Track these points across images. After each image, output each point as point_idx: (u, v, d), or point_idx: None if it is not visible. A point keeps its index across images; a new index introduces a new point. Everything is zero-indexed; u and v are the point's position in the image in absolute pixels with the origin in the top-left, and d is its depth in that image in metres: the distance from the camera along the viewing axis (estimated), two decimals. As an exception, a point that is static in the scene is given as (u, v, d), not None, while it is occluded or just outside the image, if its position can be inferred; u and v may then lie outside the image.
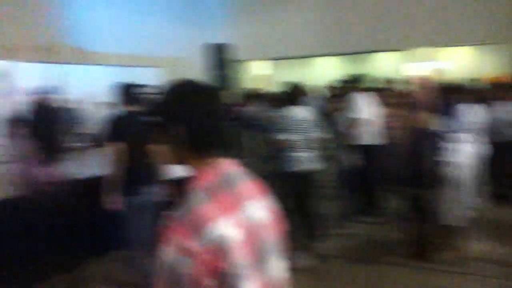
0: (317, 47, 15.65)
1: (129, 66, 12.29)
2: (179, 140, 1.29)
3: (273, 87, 11.38)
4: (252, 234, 1.29)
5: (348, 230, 5.84)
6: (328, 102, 7.21)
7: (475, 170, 4.98)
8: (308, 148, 4.69)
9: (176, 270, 1.17)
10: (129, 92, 4.21)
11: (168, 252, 1.18)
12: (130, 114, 4.05)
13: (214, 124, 1.32)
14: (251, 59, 17.43)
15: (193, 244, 1.16)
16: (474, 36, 13.22)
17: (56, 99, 7.00)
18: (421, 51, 14.27)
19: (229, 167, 1.35)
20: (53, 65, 10.64)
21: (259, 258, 1.30)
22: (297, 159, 4.70)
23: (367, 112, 5.92)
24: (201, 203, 1.23)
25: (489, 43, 13.51)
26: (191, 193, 1.27)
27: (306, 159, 4.72)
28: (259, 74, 17.89)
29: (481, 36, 13.14)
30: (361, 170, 5.92)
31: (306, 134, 4.70)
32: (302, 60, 17.43)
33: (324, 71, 16.61)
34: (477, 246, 4.98)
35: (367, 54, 16.27)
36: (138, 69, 12.49)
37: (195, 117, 1.29)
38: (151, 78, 12.71)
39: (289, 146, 4.65)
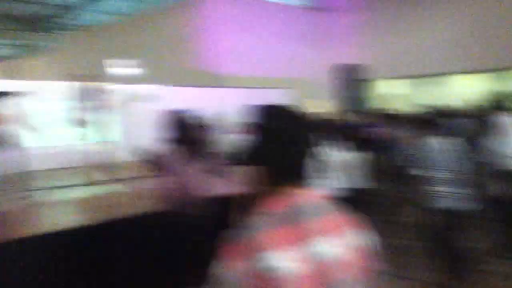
0: (454, 63, 14.71)
1: (262, 88, 12.74)
2: (257, 171, 1.32)
3: (409, 107, 10.92)
4: (318, 270, 1.24)
5: (499, 267, 5.23)
6: (471, 125, 6.62)
7: None
8: (452, 183, 4.22)
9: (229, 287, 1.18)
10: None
11: (224, 269, 1.20)
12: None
13: (288, 159, 1.30)
14: (383, 78, 16.98)
15: (246, 267, 1.18)
16: None
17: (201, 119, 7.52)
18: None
19: (304, 199, 1.30)
20: (195, 88, 11.45)
21: None
22: (439, 194, 4.23)
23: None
24: (262, 230, 1.22)
25: None
26: (256, 217, 1.26)
27: (450, 195, 4.23)
28: (393, 93, 17.30)
29: None
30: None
31: (450, 167, 4.24)
32: (438, 78, 16.52)
33: (463, 90, 15.51)
34: None
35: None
36: (263, 90, 12.89)
37: (269, 154, 1.31)
38: (282, 99, 13.08)
39: (428, 180, 4.21)
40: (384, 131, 6.90)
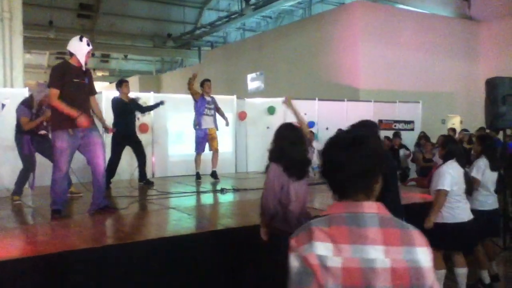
0: None
1: (390, 102, 12.35)
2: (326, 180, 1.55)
3: None
4: (356, 272, 1.37)
5: None
6: None
7: None
8: None
9: (296, 272, 1.41)
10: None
11: (291, 257, 1.44)
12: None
13: (345, 177, 1.48)
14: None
15: (302, 250, 1.40)
16: None
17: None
18: None
19: (366, 210, 1.46)
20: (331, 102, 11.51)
21: None
22: None
23: None
24: (316, 225, 1.44)
25: None
26: (319, 217, 1.49)
27: None
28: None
29: None
30: None
31: None
32: None
33: None
34: None
35: None
36: (399, 104, 12.44)
37: (329, 172, 1.54)
38: (410, 113, 12.53)
39: None
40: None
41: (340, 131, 1.71)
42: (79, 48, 4.74)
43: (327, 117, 11.14)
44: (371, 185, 1.50)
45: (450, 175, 4.37)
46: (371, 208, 1.46)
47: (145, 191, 6.86)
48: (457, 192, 4.42)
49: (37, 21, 21.87)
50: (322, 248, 1.38)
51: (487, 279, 4.83)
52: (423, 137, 10.63)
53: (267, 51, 18.49)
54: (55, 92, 4.57)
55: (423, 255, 1.42)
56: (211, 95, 7.95)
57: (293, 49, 16.85)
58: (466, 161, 5.05)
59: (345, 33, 14.80)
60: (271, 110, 10.64)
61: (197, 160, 7.89)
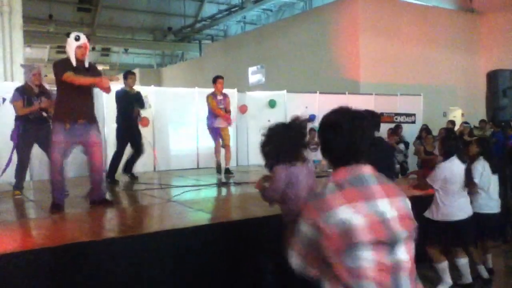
0: None
1: (391, 95, 12.34)
2: (325, 153, 1.79)
3: None
4: (376, 221, 1.57)
5: None
6: None
7: None
8: None
9: (308, 238, 1.62)
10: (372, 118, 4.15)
11: (304, 224, 1.63)
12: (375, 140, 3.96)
13: (346, 143, 1.68)
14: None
15: (320, 222, 1.56)
16: None
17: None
18: None
19: (365, 171, 1.68)
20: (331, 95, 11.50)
21: (383, 240, 1.57)
22: None
23: None
24: (330, 193, 1.62)
25: None
26: (327, 184, 1.67)
27: None
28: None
29: None
30: None
31: None
32: None
33: None
34: None
35: None
36: (400, 97, 12.43)
37: (329, 140, 1.75)
38: (411, 106, 12.51)
39: None
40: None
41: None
42: (68, 44, 4.67)
43: (328, 110, 11.09)
44: (367, 149, 1.72)
45: (445, 174, 4.37)
46: (367, 169, 1.70)
47: (146, 184, 6.84)
48: (455, 189, 4.40)
49: (37, 15, 21.79)
50: (344, 212, 1.55)
51: (485, 274, 4.85)
52: (424, 130, 10.60)
53: (268, 44, 18.44)
54: (69, 74, 4.46)
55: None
56: (223, 92, 7.75)
57: (294, 42, 16.80)
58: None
59: (346, 26, 14.75)
60: (272, 104, 10.63)
61: (217, 148, 7.67)
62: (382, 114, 11.31)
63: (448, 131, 7.85)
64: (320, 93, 11.44)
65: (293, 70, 16.51)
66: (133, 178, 7.15)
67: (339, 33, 14.96)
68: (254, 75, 19.36)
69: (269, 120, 9.36)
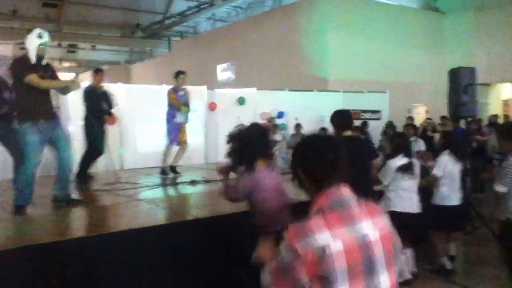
0: None
1: (358, 92, 12.58)
2: (301, 178, 1.75)
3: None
4: (355, 248, 1.54)
5: None
6: None
7: None
8: None
9: (285, 261, 1.56)
10: (344, 117, 4.25)
11: (283, 247, 1.57)
12: (347, 139, 4.05)
13: (325, 166, 1.68)
14: (494, 83, 15.84)
15: (299, 247, 1.51)
16: None
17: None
18: None
19: (344, 194, 1.64)
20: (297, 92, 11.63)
21: (364, 270, 1.54)
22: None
23: None
24: (311, 218, 1.58)
25: None
26: (310, 211, 1.63)
27: None
28: (501, 99, 16.10)
29: None
30: None
31: None
32: None
33: None
34: None
35: None
36: (367, 94, 12.68)
37: (308, 164, 1.73)
38: (377, 102, 12.79)
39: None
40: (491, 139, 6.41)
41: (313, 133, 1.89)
42: (29, 42, 4.54)
43: (297, 108, 11.25)
44: (345, 173, 1.71)
45: (394, 170, 4.54)
46: (346, 191, 1.67)
47: (116, 183, 6.75)
48: (405, 185, 4.56)
49: (0, 10, 21.18)
50: (322, 239, 1.51)
51: (448, 265, 5.03)
52: (389, 127, 10.87)
53: (237, 41, 18.46)
54: (33, 76, 4.38)
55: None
56: (184, 87, 7.69)
57: (264, 39, 16.88)
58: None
59: (315, 24, 14.92)
60: (241, 101, 10.67)
61: (167, 152, 7.62)
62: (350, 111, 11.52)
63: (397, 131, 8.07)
64: (289, 90, 11.55)
65: (263, 67, 16.59)
66: (89, 179, 6.85)
67: (308, 30, 15.11)
68: (224, 72, 19.35)
69: (238, 117, 9.42)
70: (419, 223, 4.65)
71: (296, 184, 1.80)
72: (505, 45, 15.00)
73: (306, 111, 11.02)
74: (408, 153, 4.76)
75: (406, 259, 4.70)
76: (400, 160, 4.62)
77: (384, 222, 1.68)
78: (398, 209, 4.51)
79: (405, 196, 4.60)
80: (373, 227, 1.61)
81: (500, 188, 3.78)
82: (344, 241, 1.52)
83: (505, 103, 15.89)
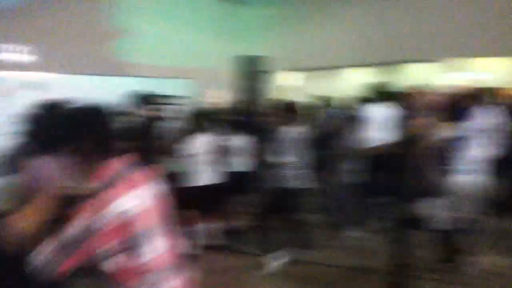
0: (348, 58, 15.79)
1: (162, 77, 12.84)
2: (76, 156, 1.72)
3: (303, 99, 11.56)
4: (147, 209, 1.67)
5: (339, 241, 5.80)
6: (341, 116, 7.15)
7: (482, 178, 4.95)
8: (298, 166, 4.65)
9: (77, 237, 1.56)
10: (145, 100, 4.47)
11: (76, 223, 1.58)
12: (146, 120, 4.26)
13: (99, 140, 1.70)
14: (283, 70, 17.77)
15: (96, 219, 1.55)
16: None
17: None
18: (456, 61, 14.16)
19: (123, 164, 1.72)
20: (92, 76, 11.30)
21: (157, 227, 1.70)
22: (287, 176, 4.60)
23: (382, 124, 5.90)
24: (101, 190, 1.62)
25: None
26: (95, 185, 1.66)
27: (295, 177, 4.64)
28: (291, 85, 18.15)
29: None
30: (363, 183, 5.89)
31: (298, 153, 4.67)
32: (334, 71, 17.60)
33: (356, 83, 16.69)
34: (482, 258, 4.88)
35: (400, 64, 16.26)
36: (171, 80, 13.02)
37: (83, 139, 1.71)
38: (182, 89, 13.27)
39: (282, 164, 4.57)
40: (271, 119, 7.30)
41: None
42: None
43: (101, 93, 10.97)
44: (119, 145, 1.80)
45: (192, 146, 4.98)
46: (126, 161, 1.78)
47: None
48: (200, 158, 5.05)
49: None
50: (119, 206, 1.60)
51: (239, 232, 5.66)
52: (194, 113, 11.36)
53: (35, 21, 16.93)
54: None
55: (165, 185, 1.87)
56: None
57: (64, 20, 15.82)
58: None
59: (118, 6, 14.59)
60: (36, 86, 10.04)
61: None
62: (150, 96, 11.64)
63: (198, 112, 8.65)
64: (91, 75, 11.22)
65: (63, 50, 15.60)
66: None
67: (113, 12, 14.73)
68: (12, 53, 17.57)
69: (30, 103, 8.84)
70: (210, 196, 5.13)
71: (65, 166, 1.79)
72: (295, 36, 16.91)
73: (106, 96, 10.86)
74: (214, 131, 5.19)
75: (198, 233, 5.18)
76: (204, 136, 5.04)
77: (161, 185, 1.83)
78: (191, 183, 4.93)
79: (203, 169, 5.04)
80: (153, 191, 1.76)
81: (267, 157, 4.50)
82: (138, 205, 1.65)
83: (291, 90, 17.91)
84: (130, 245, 1.59)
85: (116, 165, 1.72)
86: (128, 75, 12.91)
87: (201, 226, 5.22)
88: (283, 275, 4.80)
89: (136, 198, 1.64)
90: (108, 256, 1.58)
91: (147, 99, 4.66)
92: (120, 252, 1.58)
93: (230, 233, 5.80)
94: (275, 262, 4.84)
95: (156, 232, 1.67)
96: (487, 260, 4.88)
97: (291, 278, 4.69)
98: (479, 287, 4.38)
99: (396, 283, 3.97)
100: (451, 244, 4.69)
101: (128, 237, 1.58)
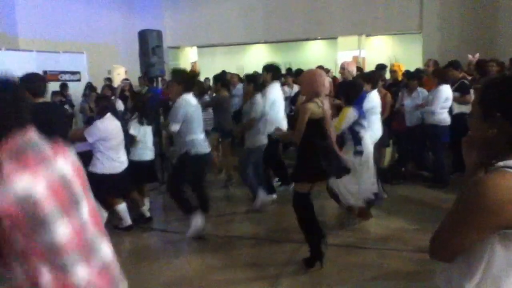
0: (246, 35, 16.04)
1: (54, 52, 12.10)
2: None
3: (203, 75, 11.56)
4: (59, 185, 1.49)
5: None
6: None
7: (376, 154, 5.39)
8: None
9: None
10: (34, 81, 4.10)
11: None
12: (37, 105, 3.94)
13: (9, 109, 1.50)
14: (182, 46, 17.60)
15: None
16: (392, 26, 14.20)
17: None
18: (347, 40, 15.04)
19: (29, 137, 1.52)
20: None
21: (69, 204, 1.52)
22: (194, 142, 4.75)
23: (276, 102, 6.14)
24: (3, 165, 1.38)
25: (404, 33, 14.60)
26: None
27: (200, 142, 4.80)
28: (189, 61, 18.08)
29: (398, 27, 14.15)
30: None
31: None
32: (235, 48, 17.79)
33: (255, 60, 17.03)
34: (380, 222, 5.21)
35: (297, 42, 16.89)
36: (63, 55, 12.33)
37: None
38: (75, 64, 12.62)
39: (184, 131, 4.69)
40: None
41: None
42: None
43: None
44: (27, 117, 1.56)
45: (102, 130, 4.79)
46: (34, 135, 1.55)
47: None
48: (114, 144, 4.90)
49: None
50: (25, 184, 1.37)
51: (147, 214, 5.64)
52: (88, 88, 10.90)
53: None
54: None
55: (75, 155, 1.70)
56: None
57: None
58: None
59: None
60: None
61: None
62: (45, 72, 10.96)
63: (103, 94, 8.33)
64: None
65: None
66: None
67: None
68: None
69: None
70: (121, 181, 5.04)
71: None
72: (192, 12, 16.72)
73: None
74: (115, 113, 5.05)
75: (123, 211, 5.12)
76: (108, 120, 4.85)
77: (74, 158, 1.68)
78: (101, 171, 4.78)
79: (118, 156, 4.90)
80: (67, 164, 1.59)
81: (172, 126, 4.55)
82: (48, 181, 1.45)
83: (192, 65, 17.87)
84: (33, 226, 1.40)
85: (23, 137, 1.52)
86: (17, 49, 11.93)
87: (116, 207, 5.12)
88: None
89: (45, 176, 1.45)
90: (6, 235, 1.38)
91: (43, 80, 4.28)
92: (21, 232, 1.38)
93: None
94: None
95: (67, 211, 1.50)
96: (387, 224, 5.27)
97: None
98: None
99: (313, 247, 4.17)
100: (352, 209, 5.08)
101: (31, 219, 1.39)
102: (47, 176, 1.45)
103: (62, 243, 1.45)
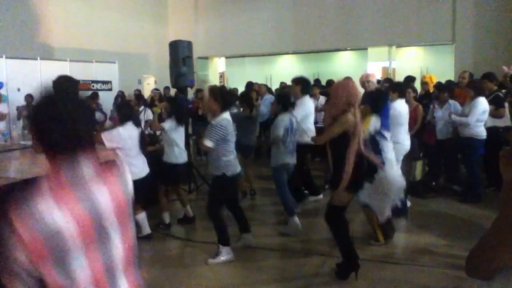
0: (275, 45, 16.06)
1: (88, 61, 12.39)
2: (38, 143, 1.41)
3: (231, 85, 11.65)
4: (91, 219, 1.40)
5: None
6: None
7: (405, 167, 5.25)
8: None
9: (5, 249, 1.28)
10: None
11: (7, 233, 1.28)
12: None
13: (56, 128, 1.38)
14: (211, 57, 17.76)
15: (21, 230, 1.27)
16: (424, 37, 13.95)
17: None
18: (378, 50, 14.88)
19: (81, 160, 1.42)
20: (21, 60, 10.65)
21: (97, 238, 1.43)
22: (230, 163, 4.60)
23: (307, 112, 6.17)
24: (38, 195, 1.33)
25: (436, 44, 14.37)
26: (40, 184, 1.37)
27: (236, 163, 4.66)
28: (218, 71, 18.25)
29: (429, 38, 13.90)
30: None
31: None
32: (263, 58, 17.87)
33: (284, 70, 17.03)
34: (411, 237, 5.19)
35: (326, 53, 16.82)
36: (96, 64, 12.60)
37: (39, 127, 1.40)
38: (107, 73, 12.86)
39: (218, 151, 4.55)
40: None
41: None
42: None
43: (18, 77, 10.39)
44: (80, 140, 1.45)
45: (122, 137, 4.81)
46: (84, 157, 1.44)
47: None
48: (133, 151, 4.92)
49: None
50: (51, 217, 1.31)
51: (167, 219, 5.67)
52: (120, 97, 11.06)
53: None
54: None
55: (124, 184, 1.60)
56: None
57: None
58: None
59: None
60: None
61: None
62: (79, 81, 11.20)
63: (123, 102, 8.45)
64: (7, 57, 10.54)
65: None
66: None
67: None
68: None
69: None
70: (147, 186, 5.07)
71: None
72: (222, 23, 16.86)
73: (29, 81, 10.26)
74: (136, 122, 5.10)
75: (142, 220, 5.15)
76: (129, 128, 4.89)
77: (118, 185, 1.55)
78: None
79: (135, 163, 4.93)
80: (105, 193, 1.47)
81: (208, 143, 4.48)
82: (75, 215, 1.36)
83: (221, 75, 18.03)
84: (54, 260, 1.34)
85: (70, 161, 1.41)
86: (55, 59, 12.25)
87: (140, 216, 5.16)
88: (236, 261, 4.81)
89: (73, 209, 1.37)
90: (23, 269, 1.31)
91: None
92: (38, 267, 1.31)
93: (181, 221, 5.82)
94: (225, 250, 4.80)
95: (89, 247, 1.40)
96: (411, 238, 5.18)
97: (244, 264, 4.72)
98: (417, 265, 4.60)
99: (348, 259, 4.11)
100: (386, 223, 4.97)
101: (53, 258, 1.33)
102: (76, 210, 1.37)
103: (77, 280, 1.38)
